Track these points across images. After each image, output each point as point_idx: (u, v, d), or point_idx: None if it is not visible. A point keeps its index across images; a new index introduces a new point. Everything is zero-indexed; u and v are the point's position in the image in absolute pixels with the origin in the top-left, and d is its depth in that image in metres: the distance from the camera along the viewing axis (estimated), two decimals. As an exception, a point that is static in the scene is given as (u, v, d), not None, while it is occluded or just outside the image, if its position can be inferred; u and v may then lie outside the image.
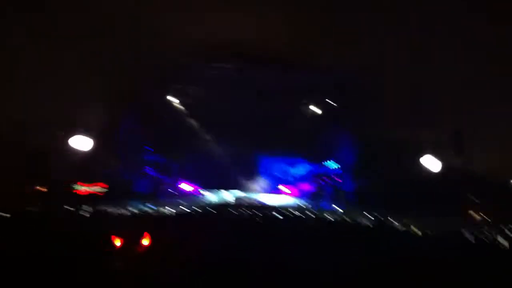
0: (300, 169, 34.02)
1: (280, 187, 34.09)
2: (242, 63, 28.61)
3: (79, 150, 25.03)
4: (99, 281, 4.59)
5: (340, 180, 33.14)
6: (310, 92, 30.65)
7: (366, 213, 19.51)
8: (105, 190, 23.04)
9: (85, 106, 26.16)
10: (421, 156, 29.28)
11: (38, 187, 25.29)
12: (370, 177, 28.46)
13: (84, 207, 18.88)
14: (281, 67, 28.20)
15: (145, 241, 5.07)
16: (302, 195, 33.49)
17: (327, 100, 32.08)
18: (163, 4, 23.03)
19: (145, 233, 5.01)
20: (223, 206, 25.87)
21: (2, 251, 4.10)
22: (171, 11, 23.23)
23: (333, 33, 24.02)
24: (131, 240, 4.97)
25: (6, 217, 10.21)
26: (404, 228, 12.60)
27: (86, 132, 25.64)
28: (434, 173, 28.57)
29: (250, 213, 19.22)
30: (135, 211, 18.31)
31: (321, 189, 34.04)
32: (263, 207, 27.08)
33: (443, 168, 29.12)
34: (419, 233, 11.90)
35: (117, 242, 4.84)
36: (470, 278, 5.92)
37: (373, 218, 18.16)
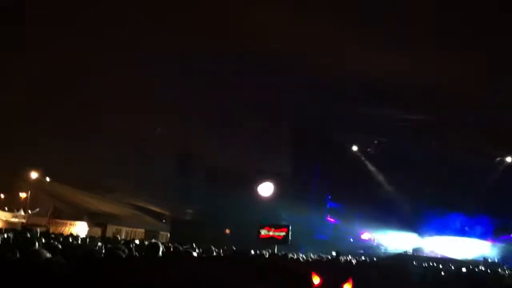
0: (488, 222, 31.19)
1: (465, 239, 31.59)
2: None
3: (265, 196, 26.48)
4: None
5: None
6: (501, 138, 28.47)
7: None
8: (286, 234, 23.71)
9: (271, 154, 27.74)
10: None
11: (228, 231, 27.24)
12: None
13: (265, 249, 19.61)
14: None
15: (347, 286, 5.11)
16: (489, 250, 30.55)
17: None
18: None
19: (350, 279, 5.05)
20: (403, 257, 24.74)
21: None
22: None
23: None
24: (330, 282, 5.07)
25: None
26: None
27: (272, 179, 27.03)
28: None
29: (432, 265, 18.05)
30: (314, 257, 18.43)
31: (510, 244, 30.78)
32: (445, 260, 25.19)
33: None
34: None
35: (316, 280, 5.01)
36: None
37: None
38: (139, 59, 24.57)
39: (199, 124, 28.23)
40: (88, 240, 14.75)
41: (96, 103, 26.18)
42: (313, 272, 5.11)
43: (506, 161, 29.77)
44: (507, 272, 17.70)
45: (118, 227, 29.76)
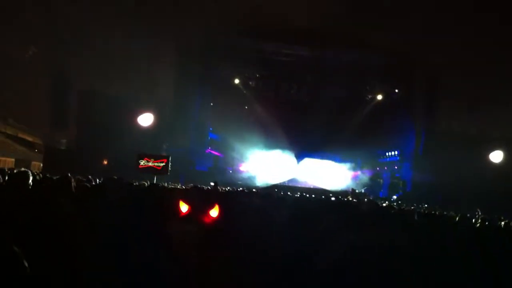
0: (358, 155, 33.73)
1: (336, 171, 34.06)
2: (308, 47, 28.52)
3: (145, 127, 25.97)
4: (163, 244, 4.85)
5: (398, 169, 32.72)
6: (374, 77, 30.19)
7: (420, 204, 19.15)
8: (165, 165, 23.73)
9: (153, 83, 26.98)
10: (489, 151, 27.97)
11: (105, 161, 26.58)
12: (430, 169, 27.67)
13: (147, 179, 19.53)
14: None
15: (214, 213, 5.28)
16: (357, 180, 33.34)
17: (391, 86, 31.65)
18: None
19: (216, 204, 5.24)
20: (277, 188, 26.09)
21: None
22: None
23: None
24: (198, 209, 5.22)
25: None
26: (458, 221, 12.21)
27: (152, 109, 26.50)
28: (502, 168, 27.22)
29: (304, 195, 19.29)
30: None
31: (377, 176, 33.74)
32: (316, 190, 27.08)
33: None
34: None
35: (184, 208, 5.17)
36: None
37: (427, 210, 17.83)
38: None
39: (80, 47, 26.41)
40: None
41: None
42: (180, 200, 5.27)
43: (377, 98, 31.77)
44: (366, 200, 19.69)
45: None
